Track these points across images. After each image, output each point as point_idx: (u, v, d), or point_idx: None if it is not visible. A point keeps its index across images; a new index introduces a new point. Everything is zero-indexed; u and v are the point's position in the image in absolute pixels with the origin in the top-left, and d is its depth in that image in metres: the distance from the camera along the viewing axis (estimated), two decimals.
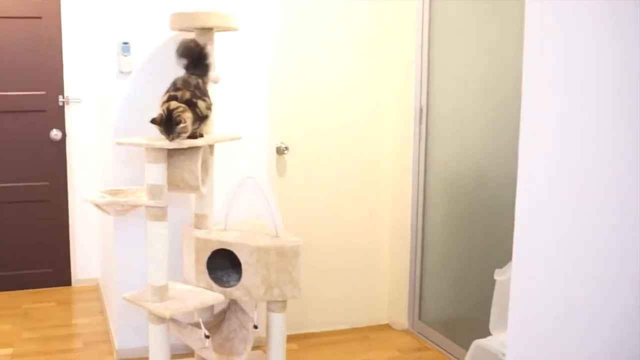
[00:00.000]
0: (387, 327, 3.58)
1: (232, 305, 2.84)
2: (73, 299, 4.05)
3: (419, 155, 3.35)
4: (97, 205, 2.49)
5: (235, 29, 2.70)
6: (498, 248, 2.82)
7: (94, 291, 4.19)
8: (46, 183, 4.17)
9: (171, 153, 2.46)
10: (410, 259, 3.44)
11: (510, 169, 2.69)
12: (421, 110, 3.31)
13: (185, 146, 2.39)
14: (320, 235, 3.42)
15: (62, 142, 4.16)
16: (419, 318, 3.46)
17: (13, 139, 4.09)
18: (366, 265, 3.54)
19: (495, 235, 2.84)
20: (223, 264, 2.76)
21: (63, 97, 4.12)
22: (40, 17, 4.01)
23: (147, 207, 2.42)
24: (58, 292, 4.18)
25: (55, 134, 4.13)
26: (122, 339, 3.10)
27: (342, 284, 3.51)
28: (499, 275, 2.34)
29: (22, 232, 4.17)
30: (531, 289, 1.40)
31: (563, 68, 1.27)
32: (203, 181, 2.61)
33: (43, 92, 4.09)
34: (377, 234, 3.54)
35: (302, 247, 2.63)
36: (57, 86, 4.10)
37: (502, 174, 2.78)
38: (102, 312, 3.79)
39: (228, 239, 2.64)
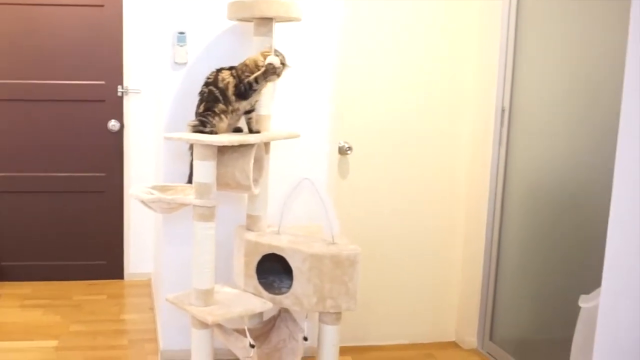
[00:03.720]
0: (453, 344, 3.33)
1: (283, 313, 2.68)
2: (124, 293, 4.00)
3: (498, 160, 3.07)
4: (143, 202, 2.36)
5: (297, 19, 2.53)
6: (584, 267, 2.55)
7: (146, 286, 4.13)
8: (103, 174, 4.14)
9: (222, 150, 2.32)
10: (483, 272, 3.17)
11: (601, 179, 2.42)
12: (503, 111, 3.02)
13: (236, 143, 2.23)
14: (385, 241, 3.22)
15: (120, 133, 4.11)
16: (490, 338, 3.19)
17: (71, 128, 4.07)
18: (433, 276, 3.30)
19: (582, 252, 2.57)
20: (276, 269, 2.60)
21: (122, 88, 4.07)
22: (102, 6, 3.97)
23: (194, 206, 2.28)
24: (110, 285, 4.15)
25: (113, 124, 4.08)
26: (168, 339, 2.98)
27: (406, 295, 3.29)
28: (584, 302, 2.06)
29: (77, 222, 4.16)
30: (621, 319, 1.18)
31: None
32: (256, 181, 2.46)
33: (102, 82, 4.05)
34: (448, 243, 3.29)
35: (359, 256, 2.42)
36: (117, 76, 4.05)
37: (592, 184, 2.50)
38: (152, 309, 3.70)
39: (280, 243, 2.46)
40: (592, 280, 2.39)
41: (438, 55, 3.14)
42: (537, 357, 2.85)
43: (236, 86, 2.36)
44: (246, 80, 2.33)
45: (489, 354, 3.17)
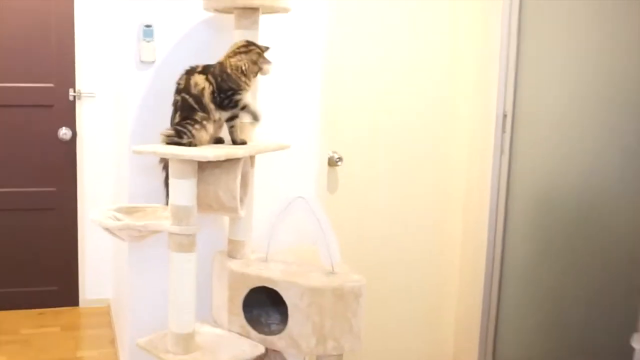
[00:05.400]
0: None
1: (272, 352, 2.32)
2: (80, 324, 3.66)
3: (499, 170, 2.90)
4: (108, 230, 1.97)
5: (285, 10, 2.21)
6: (595, 283, 2.38)
7: (105, 314, 3.80)
8: (53, 189, 3.90)
9: (203, 166, 1.96)
10: (484, 289, 3.01)
11: (616, 189, 2.27)
12: (504, 116, 2.85)
13: (223, 158, 1.87)
14: (377, 259, 3.03)
15: (72, 142, 3.88)
16: (493, 358, 3.01)
17: (16, 137, 3.81)
18: (429, 295, 3.15)
19: (593, 268, 2.41)
20: (261, 300, 2.25)
21: (74, 91, 3.86)
22: None
23: (171, 234, 1.91)
24: (64, 313, 3.81)
25: (64, 132, 3.86)
26: None
27: (400, 316, 3.13)
28: (639, 343, 1.78)
29: (24, 244, 3.88)
30: None
31: None
32: (242, 201, 2.10)
33: (51, 85, 3.83)
34: (445, 260, 3.15)
35: (364, 289, 2.10)
36: (68, 78, 3.83)
37: (605, 194, 2.33)
38: (113, 342, 3.34)
39: (271, 274, 2.11)
40: (603, 298, 2.29)
41: (434, 56, 3.00)
42: None
43: (213, 94, 2.01)
44: (235, 98, 2.04)
45: None
